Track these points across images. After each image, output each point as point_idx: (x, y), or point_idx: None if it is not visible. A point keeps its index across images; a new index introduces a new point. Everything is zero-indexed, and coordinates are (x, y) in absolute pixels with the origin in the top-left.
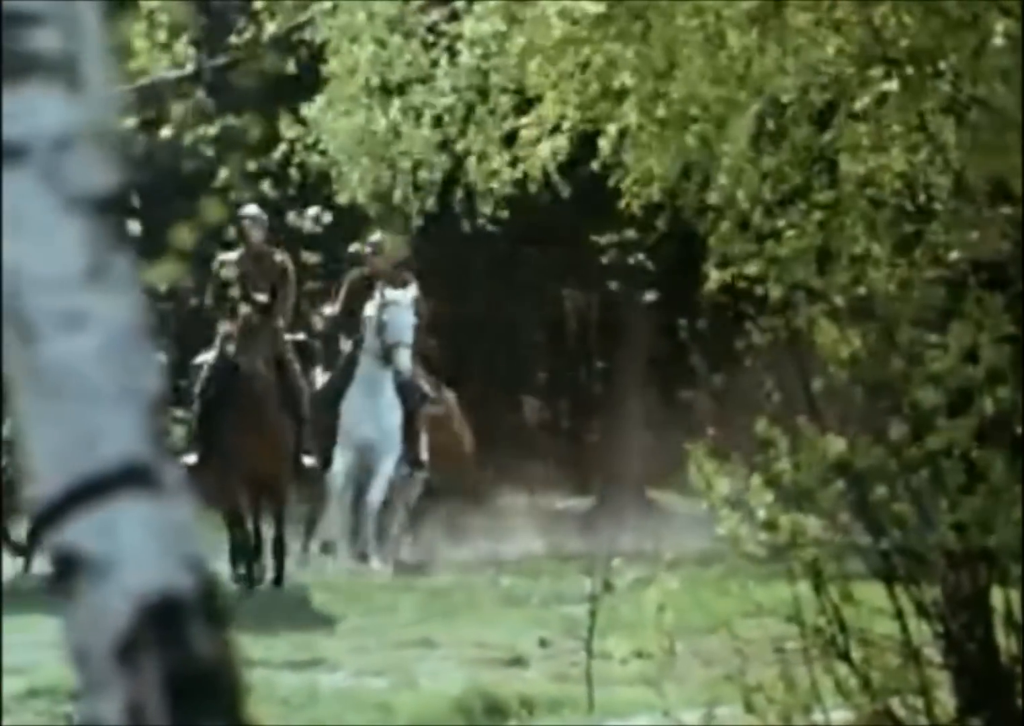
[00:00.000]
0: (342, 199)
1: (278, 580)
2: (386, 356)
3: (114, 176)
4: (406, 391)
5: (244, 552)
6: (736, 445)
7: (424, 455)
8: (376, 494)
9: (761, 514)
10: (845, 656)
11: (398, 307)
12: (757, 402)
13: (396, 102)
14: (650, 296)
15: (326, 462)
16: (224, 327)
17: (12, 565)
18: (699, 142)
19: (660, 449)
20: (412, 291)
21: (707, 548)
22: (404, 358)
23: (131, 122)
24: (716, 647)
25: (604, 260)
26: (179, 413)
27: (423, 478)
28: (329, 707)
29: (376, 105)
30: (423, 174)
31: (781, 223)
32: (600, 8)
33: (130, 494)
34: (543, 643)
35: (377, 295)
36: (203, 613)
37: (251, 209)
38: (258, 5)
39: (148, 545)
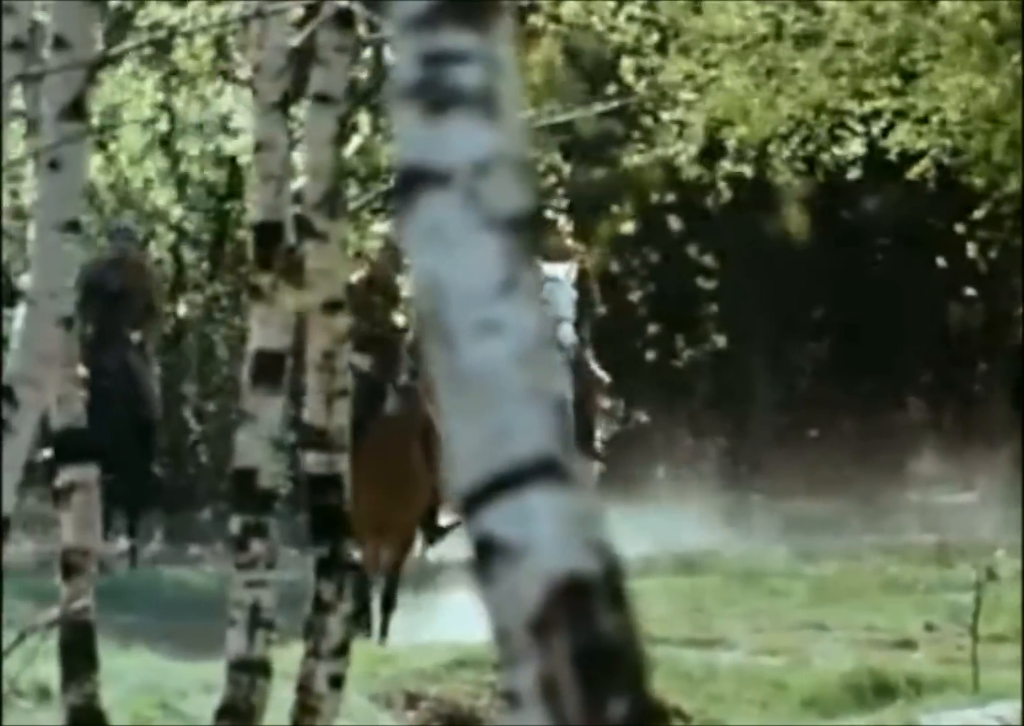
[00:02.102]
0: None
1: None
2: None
3: (526, 198)
4: (576, 372)
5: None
6: None
7: (598, 444)
8: None
9: None
10: None
11: (557, 283)
12: None
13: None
14: None
15: None
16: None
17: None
18: None
19: None
20: (574, 267)
21: None
22: (567, 332)
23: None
24: None
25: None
26: None
27: (596, 469)
28: (727, 683)
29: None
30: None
31: None
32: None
33: (542, 485)
34: (929, 627)
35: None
36: (608, 594)
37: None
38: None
39: (558, 532)
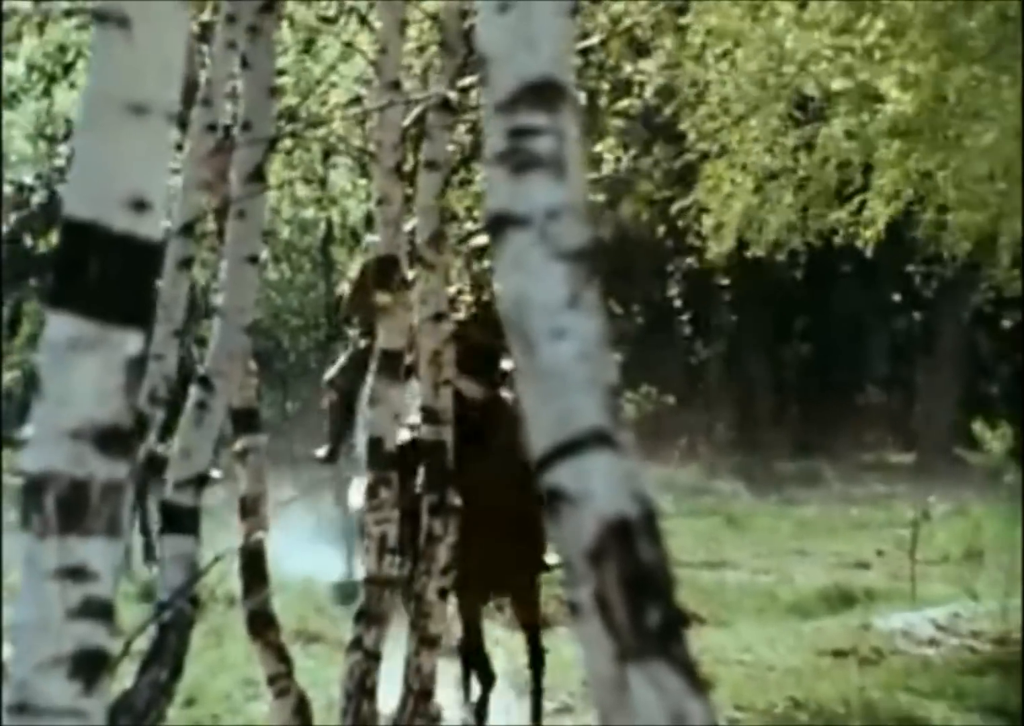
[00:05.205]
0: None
1: (537, 716)
2: None
3: (587, 236)
4: None
5: (486, 680)
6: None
7: None
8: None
9: None
10: None
11: None
12: None
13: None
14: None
15: None
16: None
17: None
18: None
19: (964, 420)
20: None
21: (1001, 487)
22: None
23: (598, 198)
24: (1007, 558)
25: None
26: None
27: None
28: (732, 595)
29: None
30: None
31: None
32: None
33: (596, 451)
34: (880, 553)
35: None
36: (647, 531)
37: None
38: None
39: (609, 485)
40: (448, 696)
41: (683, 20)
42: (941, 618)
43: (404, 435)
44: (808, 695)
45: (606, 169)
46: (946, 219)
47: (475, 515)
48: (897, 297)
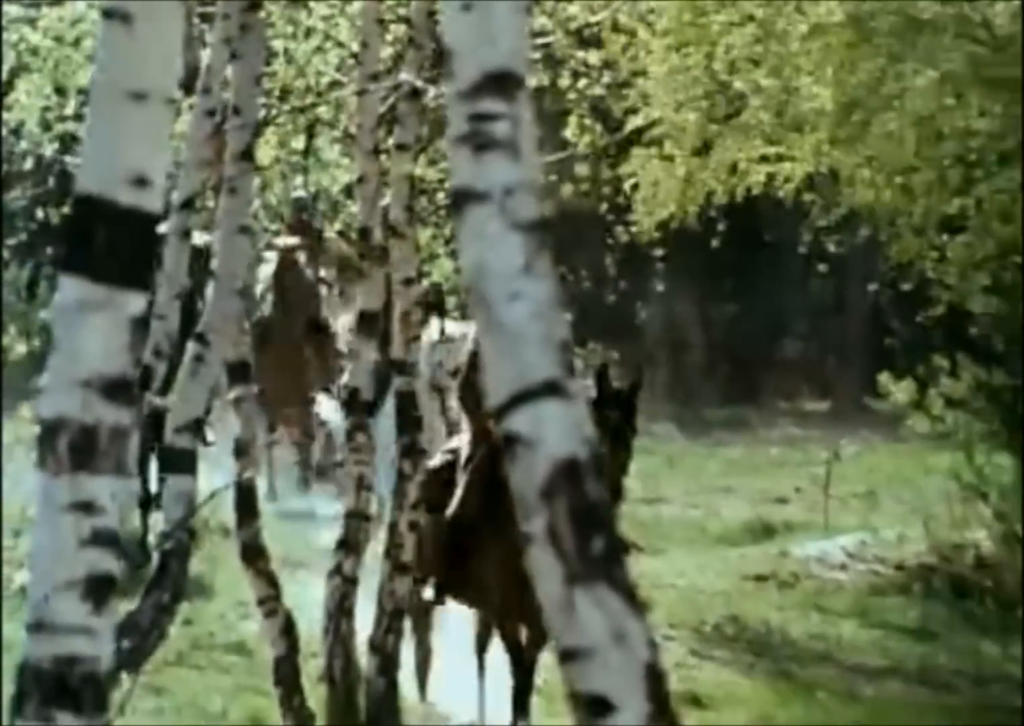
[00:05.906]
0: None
1: None
2: None
3: (540, 210)
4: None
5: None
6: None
7: None
8: None
9: (934, 411)
10: (985, 496)
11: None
12: None
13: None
14: (873, 286)
15: None
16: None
17: None
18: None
19: (872, 374)
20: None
21: (903, 431)
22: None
23: (548, 178)
24: (907, 493)
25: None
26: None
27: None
28: (667, 528)
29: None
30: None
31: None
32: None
33: (549, 399)
34: (798, 490)
35: None
36: (592, 471)
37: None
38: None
39: (560, 430)
40: None
41: (628, 20)
42: (850, 546)
43: (438, 458)
44: (734, 614)
45: (581, 146)
46: (849, 192)
47: (511, 541)
48: (821, 267)
